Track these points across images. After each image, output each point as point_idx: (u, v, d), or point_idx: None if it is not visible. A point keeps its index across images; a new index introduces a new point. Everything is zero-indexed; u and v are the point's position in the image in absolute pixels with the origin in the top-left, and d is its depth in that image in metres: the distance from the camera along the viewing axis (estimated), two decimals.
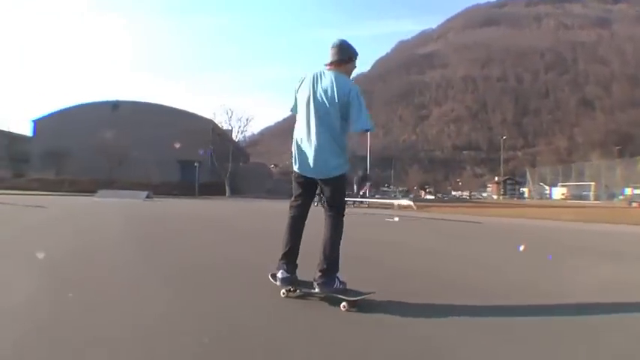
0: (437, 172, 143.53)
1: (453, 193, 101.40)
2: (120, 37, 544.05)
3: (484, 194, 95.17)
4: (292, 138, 2.75)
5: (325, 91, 2.60)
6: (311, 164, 2.62)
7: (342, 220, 2.69)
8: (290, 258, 2.66)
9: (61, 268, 3.60)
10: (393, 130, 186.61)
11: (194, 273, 3.50)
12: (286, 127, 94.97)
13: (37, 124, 43.96)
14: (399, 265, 4.29)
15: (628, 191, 43.77)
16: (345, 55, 2.73)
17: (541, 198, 57.94)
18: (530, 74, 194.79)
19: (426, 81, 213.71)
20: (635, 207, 25.77)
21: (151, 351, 1.79)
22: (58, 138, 38.11)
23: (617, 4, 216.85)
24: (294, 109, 2.81)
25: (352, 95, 2.57)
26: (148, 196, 24.94)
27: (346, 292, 2.52)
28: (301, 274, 2.70)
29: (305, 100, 2.68)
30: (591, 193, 49.05)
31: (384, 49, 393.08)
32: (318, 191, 2.77)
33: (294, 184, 2.80)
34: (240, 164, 45.72)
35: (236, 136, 43.66)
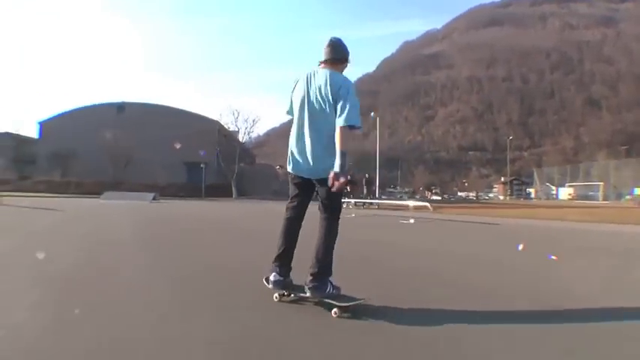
0: (443, 172, 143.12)
1: (460, 193, 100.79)
2: (129, 38, 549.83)
3: (490, 195, 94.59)
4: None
5: (319, 89, 2.53)
6: (306, 164, 2.56)
7: (337, 223, 2.59)
8: (284, 260, 2.61)
9: (67, 271, 3.60)
10: (399, 130, 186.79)
11: (198, 275, 3.53)
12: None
13: (43, 125, 44.07)
14: (433, 273, 4.04)
15: (637, 191, 43.24)
16: (339, 55, 2.68)
17: (548, 198, 57.47)
18: (535, 74, 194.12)
19: (431, 81, 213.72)
20: None
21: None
22: (64, 140, 38.14)
23: (623, 2, 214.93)
24: (290, 112, 2.76)
25: (342, 90, 2.47)
26: (154, 198, 24.85)
27: (338, 297, 2.43)
28: (298, 278, 2.60)
29: (300, 100, 2.63)
30: (599, 194, 48.59)
31: (389, 49, 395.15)
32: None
33: (290, 186, 2.75)
34: (245, 165, 45.50)
35: (242, 138, 43.57)
